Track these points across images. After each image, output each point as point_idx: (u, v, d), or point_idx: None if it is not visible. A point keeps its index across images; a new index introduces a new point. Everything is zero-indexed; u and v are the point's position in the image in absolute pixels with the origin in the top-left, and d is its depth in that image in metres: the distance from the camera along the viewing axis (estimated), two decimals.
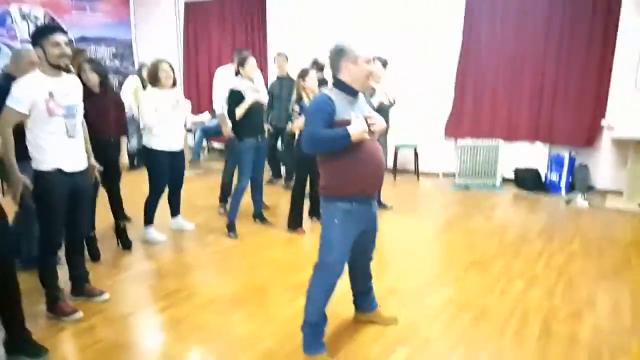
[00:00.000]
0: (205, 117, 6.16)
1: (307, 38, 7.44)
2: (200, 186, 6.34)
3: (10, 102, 2.74)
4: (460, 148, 6.53)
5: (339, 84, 2.51)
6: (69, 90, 2.93)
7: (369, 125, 2.45)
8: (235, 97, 4.41)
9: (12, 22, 7.42)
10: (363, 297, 3.01)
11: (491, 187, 6.41)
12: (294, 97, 4.66)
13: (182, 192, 4.67)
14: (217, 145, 8.73)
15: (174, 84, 4.29)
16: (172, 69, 4.26)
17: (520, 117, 6.48)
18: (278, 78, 6.24)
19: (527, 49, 6.29)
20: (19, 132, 2.81)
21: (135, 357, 2.72)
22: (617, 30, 5.76)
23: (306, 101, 4.51)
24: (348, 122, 2.41)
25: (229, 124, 4.78)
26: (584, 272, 3.85)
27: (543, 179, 6.34)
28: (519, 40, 6.31)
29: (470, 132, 6.69)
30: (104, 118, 3.84)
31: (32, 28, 7.56)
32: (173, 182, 4.52)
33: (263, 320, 3.12)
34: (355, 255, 2.73)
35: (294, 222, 4.72)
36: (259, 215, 4.96)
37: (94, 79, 3.79)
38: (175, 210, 4.75)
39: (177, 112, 4.29)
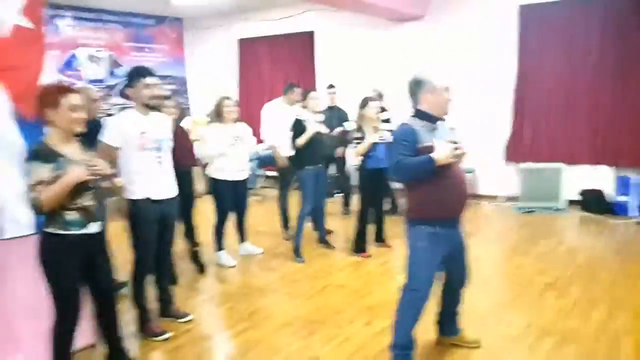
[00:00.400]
0: (261, 147, 6.37)
1: (352, 71, 7.66)
2: (261, 212, 6.47)
3: (103, 137, 2.99)
4: (522, 171, 6.43)
5: (420, 114, 2.63)
6: (159, 125, 3.16)
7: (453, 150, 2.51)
8: (298, 127, 4.58)
9: (78, 64, 7.92)
10: (449, 320, 3.00)
11: (555, 210, 6.25)
12: (352, 125, 4.79)
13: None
14: (269, 173, 8.91)
15: (237, 119, 4.50)
16: (236, 105, 4.49)
17: (581, 140, 6.34)
18: (329, 107, 6.44)
19: (583, 69, 6.20)
20: None
21: None
22: None
23: (366, 130, 4.59)
24: (431, 149, 2.48)
25: (282, 153, 5.08)
26: None
27: (610, 200, 6.14)
28: (575, 62, 6.22)
29: (531, 156, 6.59)
30: (178, 149, 4.04)
31: (97, 69, 8.07)
32: (238, 209, 4.66)
33: (340, 342, 3.13)
34: (449, 279, 2.77)
35: (359, 246, 4.75)
36: (323, 240, 5.02)
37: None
38: (242, 236, 4.88)
39: (238, 146, 4.45)
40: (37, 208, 2.26)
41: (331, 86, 6.64)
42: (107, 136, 2.99)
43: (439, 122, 2.63)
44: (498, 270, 4.38)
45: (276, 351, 3.03)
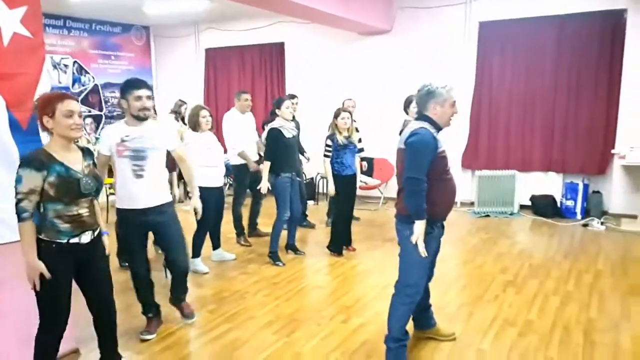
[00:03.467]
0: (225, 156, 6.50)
1: (322, 82, 7.95)
2: (228, 219, 6.54)
3: (97, 146, 3.19)
4: (479, 178, 6.84)
5: (427, 119, 2.76)
6: (145, 135, 3.17)
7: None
8: (275, 134, 4.75)
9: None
10: (423, 314, 3.24)
11: (509, 214, 6.69)
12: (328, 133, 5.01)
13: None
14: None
15: (211, 128, 4.63)
16: (211, 115, 4.60)
17: (533, 149, 6.83)
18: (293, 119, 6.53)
19: (538, 85, 6.69)
20: None
21: None
22: (622, 64, 6.17)
23: (339, 138, 4.82)
24: (444, 157, 2.72)
25: (250, 157, 5.35)
26: (614, 288, 4.10)
27: (559, 205, 6.63)
28: (530, 76, 6.72)
29: (486, 164, 7.02)
30: None
31: (63, 76, 7.97)
32: (216, 216, 4.78)
33: (322, 339, 3.34)
34: None
35: (335, 247, 5.05)
36: (291, 247, 5.18)
37: None
38: (217, 242, 4.98)
39: (215, 153, 4.60)
40: (21, 219, 2.31)
41: (294, 96, 6.55)
42: (99, 145, 3.21)
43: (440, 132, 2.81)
44: (463, 270, 4.69)
45: (261, 350, 3.19)
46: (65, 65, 8.07)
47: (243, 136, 5.47)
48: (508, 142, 6.98)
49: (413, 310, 2.91)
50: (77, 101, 2.46)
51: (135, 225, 3.25)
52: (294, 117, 6.27)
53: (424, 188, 2.62)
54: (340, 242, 5.09)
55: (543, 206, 6.64)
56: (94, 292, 2.65)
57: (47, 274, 2.33)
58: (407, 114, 5.16)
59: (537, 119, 6.77)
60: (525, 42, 6.70)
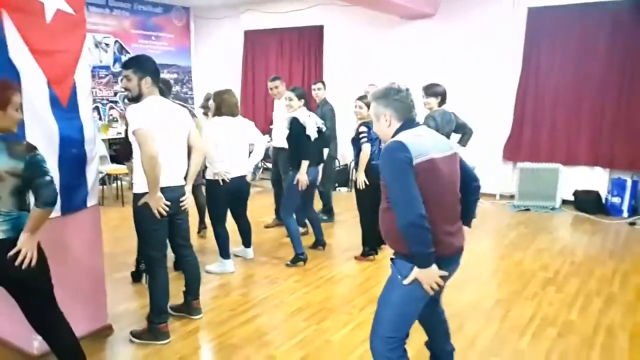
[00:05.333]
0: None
1: (360, 67, 7.76)
2: (263, 203, 6.56)
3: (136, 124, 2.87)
4: (520, 170, 6.60)
5: None
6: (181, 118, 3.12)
7: None
8: (295, 125, 4.44)
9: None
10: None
11: (550, 209, 6.44)
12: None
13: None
14: (269, 164, 9.01)
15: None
16: (237, 99, 4.24)
17: (580, 142, 6.53)
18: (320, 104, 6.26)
19: (587, 75, 6.37)
20: None
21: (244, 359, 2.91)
22: None
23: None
24: None
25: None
26: None
27: (603, 201, 6.34)
28: (580, 66, 6.40)
29: (529, 156, 6.76)
30: None
31: (104, 55, 8.08)
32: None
33: (353, 328, 3.28)
34: None
35: (370, 251, 4.62)
36: (320, 242, 4.87)
37: None
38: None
39: (243, 140, 4.26)
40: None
41: (318, 81, 6.24)
42: (137, 123, 2.84)
43: None
44: (500, 266, 4.54)
45: (291, 335, 3.17)
46: (107, 45, 8.17)
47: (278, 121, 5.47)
48: (553, 134, 6.69)
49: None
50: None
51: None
52: (325, 102, 6.03)
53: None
54: (373, 240, 4.61)
55: (586, 202, 6.36)
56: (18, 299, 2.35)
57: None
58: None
59: (585, 110, 6.46)
60: (575, 30, 6.37)
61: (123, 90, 3.11)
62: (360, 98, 4.63)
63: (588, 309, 3.55)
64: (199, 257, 3.55)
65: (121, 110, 8.12)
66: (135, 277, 4.01)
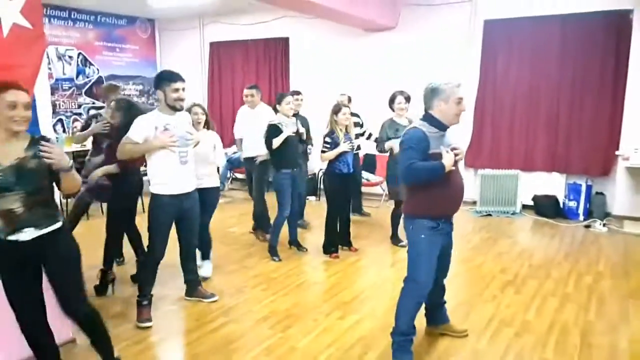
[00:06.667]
0: (230, 150, 6.46)
1: (325, 77, 7.91)
2: (232, 214, 6.59)
3: (129, 132, 3.30)
4: (481, 177, 6.81)
5: (431, 119, 2.79)
6: (183, 123, 3.46)
7: (455, 156, 2.75)
8: (273, 130, 4.72)
9: (48, 62, 7.79)
10: (437, 310, 3.26)
11: (511, 214, 6.66)
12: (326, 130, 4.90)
13: (216, 220, 4.64)
14: (239, 175, 9.03)
15: (207, 127, 4.30)
16: (205, 113, 4.31)
17: (537, 149, 6.78)
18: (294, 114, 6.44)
19: (542, 84, 6.63)
20: None
21: None
22: (627, 65, 6.11)
23: (339, 134, 4.76)
24: (440, 156, 2.69)
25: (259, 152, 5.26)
26: (614, 290, 4.07)
27: (561, 205, 6.60)
28: (535, 75, 6.66)
29: (489, 163, 6.98)
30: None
31: (67, 67, 7.97)
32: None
33: (318, 334, 3.34)
34: (435, 271, 2.94)
35: (329, 248, 4.95)
36: (294, 242, 5.17)
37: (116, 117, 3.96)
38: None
39: (214, 154, 4.29)
40: None
41: (297, 93, 6.38)
42: (131, 132, 3.29)
43: (447, 130, 2.84)
44: (462, 269, 4.67)
45: (257, 343, 3.20)
46: (70, 57, 8.06)
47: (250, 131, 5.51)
48: (511, 142, 6.93)
49: (421, 305, 2.94)
50: (26, 92, 2.30)
51: (170, 210, 3.40)
52: (298, 113, 6.25)
53: (419, 166, 2.68)
54: (333, 241, 4.97)
55: (545, 206, 6.60)
56: (57, 290, 2.43)
57: None
58: (393, 110, 5.13)
59: (541, 118, 6.72)
60: (529, 41, 6.64)
61: (179, 100, 3.37)
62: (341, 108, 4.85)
63: (543, 309, 3.71)
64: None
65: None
66: (100, 290, 3.97)
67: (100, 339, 2.63)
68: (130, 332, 3.34)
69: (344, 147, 4.69)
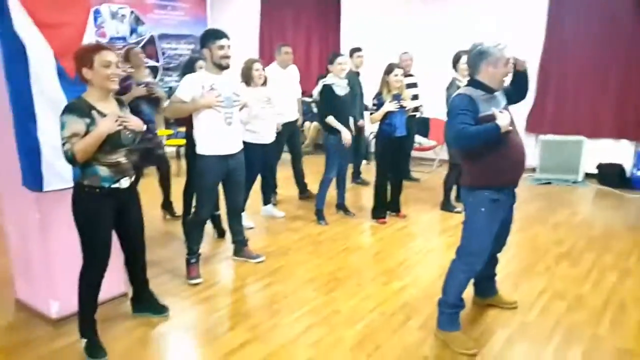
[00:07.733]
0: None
1: (378, 37, 7.60)
2: (279, 177, 6.59)
3: (177, 91, 3.34)
4: (542, 143, 6.45)
5: (476, 84, 2.64)
6: (229, 84, 3.41)
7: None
8: (328, 93, 4.61)
9: (102, 20, 7.92)
10: (488, 282, 3.16)
11: (572, 183, 6.30)
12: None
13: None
14: None
15: (265, 82, 4.47)
16: (264, 69, 4.44)
17: (605, 114, 6.32)
18: (355, 73, 6.26)
19: (611, 46, 6.11)
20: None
21: (252, 327, 2.98)
22: None
23: (385, 97, 4.59)
24: (492, 117, 2.53)
25: (289, 115, 5.28)
26: None
27: (628, 175, 6.17)
28: (606, 33, 6.14)
29: (552, 128, 6.59)
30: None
31: (120, 26, 8.08)
32: (264, 172, 4.78)
33: (361, 299, 3.31)
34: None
35: (378, 213, 4.87)
36: (342, 206, 5.12)
37: None
38: (267, 199, 5.02)
39: (268, 109, 4.44)
40: (70, 159, 2.38)
41: (357, 49, 6.24)
42: (179, 90, 3.31)
43: (496, 93, 2.67)
44: (515, 239, 4.47)
45: (301, 304, 3.22)
46: (123, 15, 8.17)
47: (282, 93, 5.20)
48: (577, 106, 6.48)
49: (471, 277, 2.82)
50: (113, 52, 2.48)
51: (217, 171, 3.44)
52: (358, 72, 6.11)
53: (472, 129, 2.53)
54: (382, 206, 4.89)
55: (610, 175, 6.20)
56: (131, 234, 2.82)
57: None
58: (456, 70, 4.88)
59: (611, 83, 6.22)
60: (599, 2, 6.09)
61: (226, 57, 3.34)
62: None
63: (600, 284, 3.50)
64: None
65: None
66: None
67: None
68: (181, 287, 3.46)
69: (388, 106, 4.52)
